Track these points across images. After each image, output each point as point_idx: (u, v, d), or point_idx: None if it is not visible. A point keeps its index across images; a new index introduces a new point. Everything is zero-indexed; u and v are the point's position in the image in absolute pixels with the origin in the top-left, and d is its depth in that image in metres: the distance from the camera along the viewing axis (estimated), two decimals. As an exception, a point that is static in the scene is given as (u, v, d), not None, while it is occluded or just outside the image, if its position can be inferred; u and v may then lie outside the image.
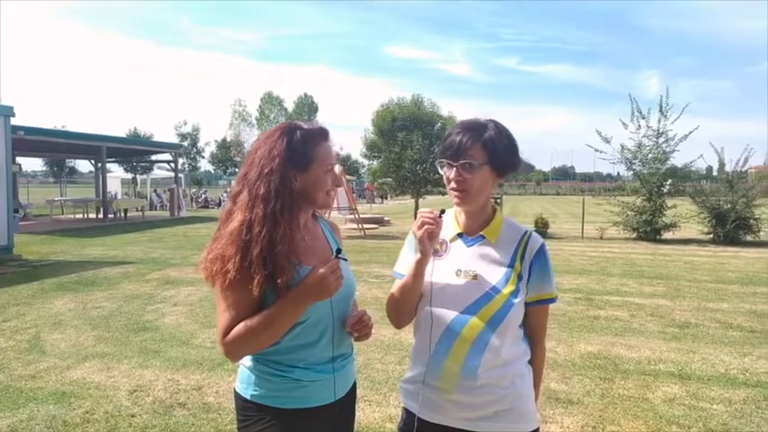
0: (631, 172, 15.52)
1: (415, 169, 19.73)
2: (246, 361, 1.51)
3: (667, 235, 14.61)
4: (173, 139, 44.23)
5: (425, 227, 1.46)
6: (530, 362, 1.59)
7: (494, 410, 1.48)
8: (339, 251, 1.49)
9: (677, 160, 14.99)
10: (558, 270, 8.94)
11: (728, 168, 15.12)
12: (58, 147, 21.67)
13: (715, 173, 17.60)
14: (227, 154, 51.48)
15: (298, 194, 1.45)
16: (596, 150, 15.21)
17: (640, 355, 4.81)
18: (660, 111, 14.53)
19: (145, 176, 36.59)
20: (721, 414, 3.61)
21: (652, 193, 14.58)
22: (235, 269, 1.35)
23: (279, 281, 1.36)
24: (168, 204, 25.07)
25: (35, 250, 11.49)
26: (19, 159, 21.60)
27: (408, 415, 1.58)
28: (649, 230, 14.34)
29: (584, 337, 5.35)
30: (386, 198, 42.42)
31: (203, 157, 50.63)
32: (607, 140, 14.96)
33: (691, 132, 14.48)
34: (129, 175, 38.55)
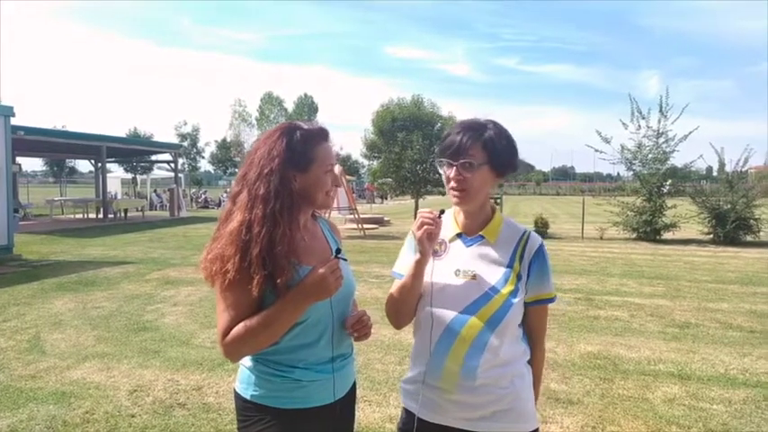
0: (631, 172, 15.54)
1: (414, 169, 19.76)
2: (246, 361, 1.51)
3: (667, 235, 14.62)
4: (173, 139, 44.26)
5: (425, 227, 1.46)
6: (529, 362, 1.59)
7: (493, 410, 1.49)
8: (339, 251, 1.49)
9: (677, 160, 15.04)
10: (557, 270, 8.97)
11: (728, 168, 15.14)
12: (57, 147, 21.67)
13: (715, 173, 17.62)
14: (226, 154, 51.51)
15: (297, 195, 1.45)
16: (596, 150, 15.25)
17: (640, 355, 4.81)
18: (660, 111, 14.55)
19: (145, 176, 36.62)
20: (721, 414, 3.61)
21: (652, 193, 14.59)
22: (234, 269, 1.35)
23: (278, 281, 1.36)
24: (168, 204, 25.07)
25: (35, 250, 11.49)
26: (19, 159, 21.61)
27: (408, 415, 1.58)
28: (649, 231, 14.35)
29: (583, 337, 5.35)
30: (386, 198, 42.44)
31: (203, 158, 50.68)
32: (607, 141, 15.00)
33: (690, 132, 14.51)
34: (129, 176, 38.58)
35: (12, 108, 10.81)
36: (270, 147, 1.45)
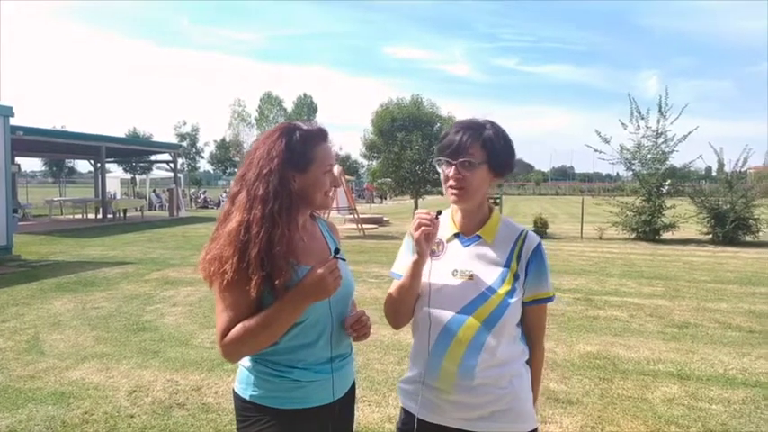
0: (630, 172, 15.55)
1: (414, 169, 19.75)
2: (245, 361, 1.51)
3: (666, 235, 14.62)
4: (172, 139, 44.30)
5: (422, 228, 1.46)
6: (528, 362, 1.59)
7: (491, 410, 1.49)
8: (337, 251, 1.50)
9: (676, 161, 15.05)
10: (557, 270, 8.98)
11: (727, 169, 15.15)
12: (57, 147, 21.66)
13: (714, 173, 17.63)
14: (226, 154, 51.54)
15: (296, 195, 1.45)
16: (595, 151, 15.25)
17: (639, 355, 4.82)
18: (659, 111, 14.56)
19: (144, 177, 36.61)
20: (720, 414, 3.62)
21: (651, 193, 14.59)
22: (232, 270, 1.35)
23: (276, 282, 1.36)
24: (167, 204, 25.05)
25: (34, 250, 11.48)
26: (18, 159, 21.59)
27: (407, 415, 1.58)
28: (648, 231, 14.35)
29: (583, 337, 5.35)
30: (385, 198, 42.45)
31: (202, 158, 50.77)
32: (606, 141, 15.00)
33: (690, 133, 14.51)
34: (129, 176, 38.55)
35: (11, 108, 10.80)
36: (269, 147, 1.45)
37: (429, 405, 1.53)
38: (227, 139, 51.89)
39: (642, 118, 14.74)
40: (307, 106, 56.63)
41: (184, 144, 44.12)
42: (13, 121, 11.11)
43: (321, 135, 1.52)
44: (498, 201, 18.06)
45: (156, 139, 43.84)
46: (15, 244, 10.83)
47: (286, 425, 1.45)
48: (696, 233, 14.72)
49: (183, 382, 4.11)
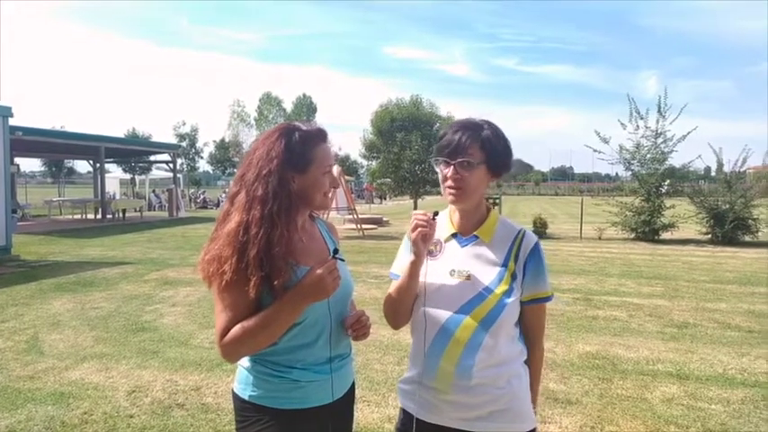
0: (630, 172, 15.55)
1: (413, 170, 19.79)
2: (244, 362, 1.51)
3: (666, 235, 14.63)
4: (171, 139, 44.27)
5: (419, 229, 1.46)
6: (527, 362, 1.59)
7: (489, 410, 1.49)
8: (336, 251, 1.50)
9: (675, 161, 15.06)
10: (556, 270, 8.98)
11: (727, 169, 15.14)
12: (56, 147, 21.63)
13: (713, 173, 17.63)
14: (225, 154, 51.54)
15: (295, 196, 1.45)
16: (595, 151, 15.24)
17: (639, 355, 4.82)
18: (658, 111, 14.57)
19: (143, 177, 36.58)
20: (719, 414, 3.62)
21: (650, 193, 14.60)
22: (231, 270, 1.35)
23: (275, 282, 1.36)
24: (167, 205, 25.04)
25: (33, 251, 11.48)
26: (17, 160, 21.61)
27: (405, 415, 1.59)
28: (648, 231, 14.36)
29: (582, 337, 5.36)
30: (384, 198, 42.46)
31: (202, 158, 50.78)
32: (606, 141, 15.00)
33: (689, 133, 14.52)
34: (128, 176, 38.52)
35: (10, 108, 10.79)
36: (268, 148, 1.45)
37: (427, 405, 1.53)
38: (227, 140, 51.88)
39: (641, 118, 14.76)
40: (306, 106, 56.60)
41: (184, 144, 44.12)
42: (12, 122, 11.11)
43: (320, 135, 1.52)
44: (498, 201, 18.07)
45: (155, 139, 43.89)
46: (14, 244, 10.82)
47: (285, 425, 1.45)
48: (695, 233, 14.73)
49: (183, 382, 4.11)
